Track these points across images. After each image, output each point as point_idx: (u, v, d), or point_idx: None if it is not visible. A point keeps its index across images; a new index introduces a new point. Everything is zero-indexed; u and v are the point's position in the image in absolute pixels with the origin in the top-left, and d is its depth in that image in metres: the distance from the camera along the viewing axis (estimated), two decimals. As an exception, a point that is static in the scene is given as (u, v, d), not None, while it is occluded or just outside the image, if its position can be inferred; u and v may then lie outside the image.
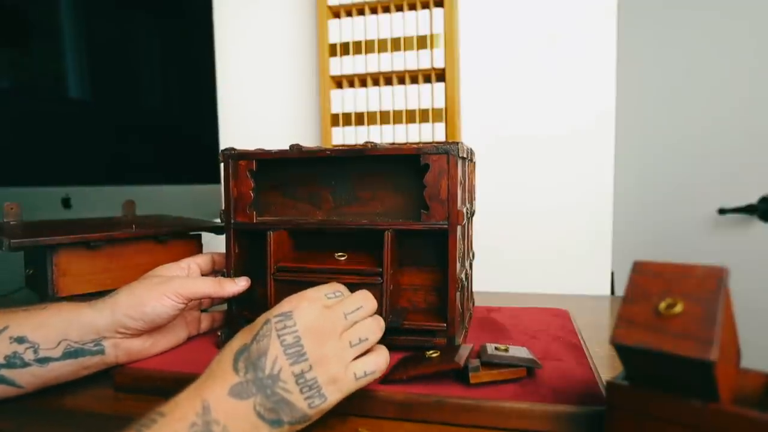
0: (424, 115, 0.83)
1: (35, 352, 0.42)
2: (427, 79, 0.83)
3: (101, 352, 0.45)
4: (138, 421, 0.30)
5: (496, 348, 0.46)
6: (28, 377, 0.42)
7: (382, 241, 0.48)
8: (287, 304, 0.37)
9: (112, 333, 0.45)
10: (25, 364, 0.42)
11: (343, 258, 0.51)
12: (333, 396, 0.35)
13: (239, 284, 0.51)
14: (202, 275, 0.56)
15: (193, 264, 0.55)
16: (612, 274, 0.86)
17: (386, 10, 0.84)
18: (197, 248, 0.72)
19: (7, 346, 0.41)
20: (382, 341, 0.41)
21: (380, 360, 0.39)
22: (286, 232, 0.53)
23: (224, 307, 0.58)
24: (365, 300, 0.40)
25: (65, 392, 0.47)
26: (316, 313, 0.36)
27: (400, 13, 0.83)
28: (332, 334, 0.36)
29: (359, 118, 0.86)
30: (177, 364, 0.48)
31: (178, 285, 0.47)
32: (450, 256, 0.48)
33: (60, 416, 0.44)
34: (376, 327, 0.39)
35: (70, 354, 0.44)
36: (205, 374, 0.34)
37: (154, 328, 0.48)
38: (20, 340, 0.42)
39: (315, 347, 0.35)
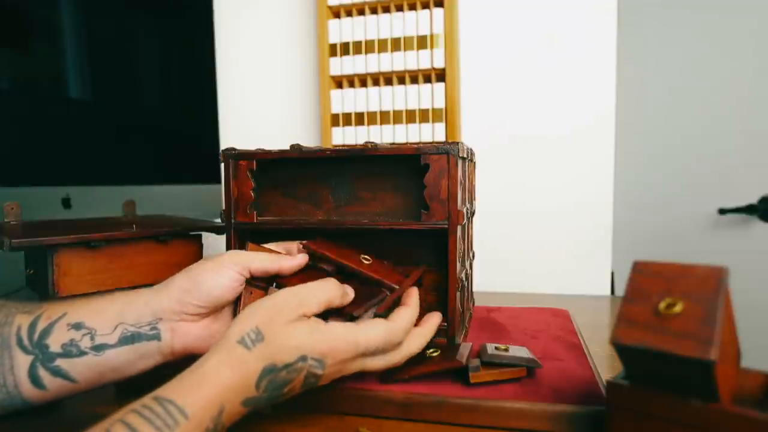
0: (424, 115, 0.83)
1: (92, 338, 0.40)
2: (427, 79, 0.83)
3: (157, 336, 0.42)
4: (148, 410, 0.30)
5: (496, 348, 0.46)
6: (82, 368, 0.40)
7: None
8: (325, 344, 0.36)
9: (170, 314, 0.42)
10: (81, 353, 0.40)
11: (368, 262, 0.49)
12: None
13: (297, 259, 0.47)
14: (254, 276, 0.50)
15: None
16: (612, 274, 0.86)
17: (386, 10, 0.84)
18: (198, 248, 0.72)
19: (64, 333, 0.40)
20: None
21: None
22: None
23: None
24: (387, 341, 0.39)
25: (65, 392, 0.47)
26: (347, 365, 0.38)
27: (400, 13, 0.83)
28: (346, 371, 0.39)
29: (359, 118, 0.86)
30: (177, 364, 0.48)
31: (236, 255, 0.45)
32: (450, 256, 0.48)
33: (60, 416, 0.44)
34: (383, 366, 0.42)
35: (126, 339, 0.41)
36: (227, 374, 0.33)
37: (215, 309, 0.44)
38: (78, 326, 0.40)
39: (328, 380, 0.38)
